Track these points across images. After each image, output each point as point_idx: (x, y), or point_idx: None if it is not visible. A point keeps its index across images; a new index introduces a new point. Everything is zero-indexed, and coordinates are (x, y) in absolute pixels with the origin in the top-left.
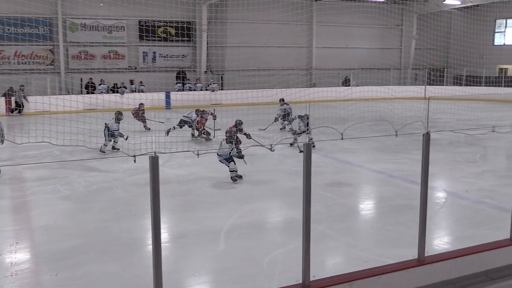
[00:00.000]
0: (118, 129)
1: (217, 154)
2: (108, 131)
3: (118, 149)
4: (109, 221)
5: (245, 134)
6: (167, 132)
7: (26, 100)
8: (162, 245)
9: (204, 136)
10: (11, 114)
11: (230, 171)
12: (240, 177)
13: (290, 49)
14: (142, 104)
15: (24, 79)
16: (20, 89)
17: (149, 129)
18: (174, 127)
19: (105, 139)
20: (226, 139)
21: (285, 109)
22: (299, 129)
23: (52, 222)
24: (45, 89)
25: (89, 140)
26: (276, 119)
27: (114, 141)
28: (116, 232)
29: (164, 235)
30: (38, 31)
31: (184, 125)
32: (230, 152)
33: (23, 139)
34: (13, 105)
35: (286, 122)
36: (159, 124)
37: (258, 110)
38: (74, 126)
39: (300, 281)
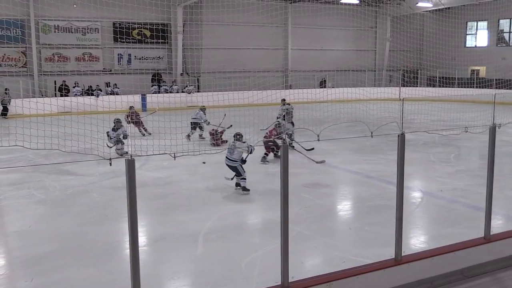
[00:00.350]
0: (116, 137)
1: (228, 158)
2: (110, 139)
3: (127, 152)
4: (85, 225)
5: (280, 138)
6: (188, 137)
7: (9, 103)
8: (139, 248)
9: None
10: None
11: (242, 179)
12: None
13: (266, 51)
14: (132, 107)
15: None
16: (5, 92)
17: (150, 133)
18: (192, 131)
19: (117, 144)
20: (239, 139)
21: (287, 109)
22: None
23: (27, 227)
24: (17, 92)
25: (63, 144)
26: (277, 119)
27: (121, 147)
28: (92, 236)
29: (142, 239)
30: (10, 33)
31: (196, 127)
32: (248, 152)
33: None
34: None
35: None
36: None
37: (235, 112)
38: (48, 129)
39: (279, 283)
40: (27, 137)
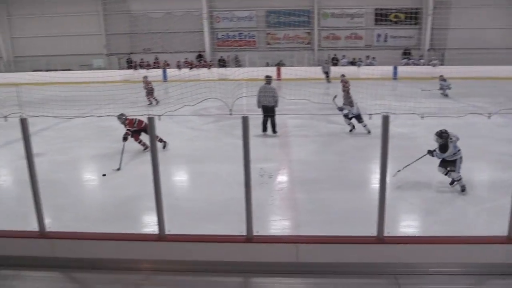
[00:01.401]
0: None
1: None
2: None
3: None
4: (343, 162)
5: None
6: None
7: (330, 71)
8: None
9: None
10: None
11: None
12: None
13: (506, 30)
14: (343, 74)
15: (290, 55)
16: (326, 62)
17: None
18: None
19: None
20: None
21: None
22: None
23: (303, 157)
24: (303, 61)
25: (331, 101)
26: None
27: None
28: (349, 170)
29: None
30: (300, 18)
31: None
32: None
33: (291, 96)
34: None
35: None
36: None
37: (474, 83)
38: (321, 89)
39: (505, 234)
40: (312, 94)
